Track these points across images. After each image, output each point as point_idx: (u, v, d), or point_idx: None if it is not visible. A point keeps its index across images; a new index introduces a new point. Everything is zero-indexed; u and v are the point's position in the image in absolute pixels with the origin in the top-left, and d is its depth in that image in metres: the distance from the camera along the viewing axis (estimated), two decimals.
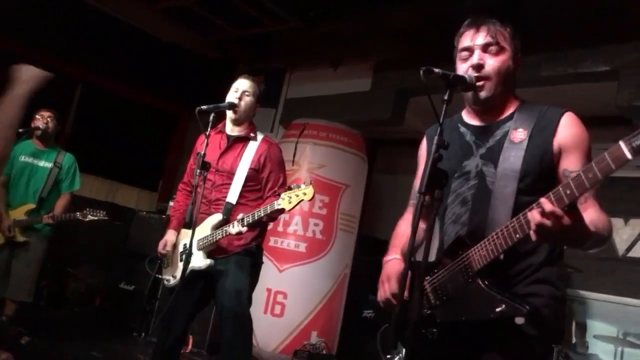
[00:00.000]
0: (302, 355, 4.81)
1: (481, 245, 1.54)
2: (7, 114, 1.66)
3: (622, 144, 1.16)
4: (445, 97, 1.49)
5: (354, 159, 5.46)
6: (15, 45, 5.64)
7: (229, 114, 3.07)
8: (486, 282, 1.53)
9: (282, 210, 2.79)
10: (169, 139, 7.42)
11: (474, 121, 1.78)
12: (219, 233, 2.88)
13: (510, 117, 1.70)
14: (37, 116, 4.22)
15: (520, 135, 1.63)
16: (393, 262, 1.83)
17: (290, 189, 2.78)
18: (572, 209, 1.29)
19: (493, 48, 1.68)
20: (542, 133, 1.62)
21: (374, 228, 5.92)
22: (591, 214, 1.48)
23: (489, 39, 1.68)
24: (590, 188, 1.25)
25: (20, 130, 4.21)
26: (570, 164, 1.57)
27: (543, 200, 1.32)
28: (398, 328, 1.60)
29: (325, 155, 5.34)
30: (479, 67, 1.66)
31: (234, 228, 2.82)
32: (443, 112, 1.48)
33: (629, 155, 1.15)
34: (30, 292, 4.17)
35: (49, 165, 4.21)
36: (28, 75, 1.75)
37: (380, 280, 1.80)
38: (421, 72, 1.44)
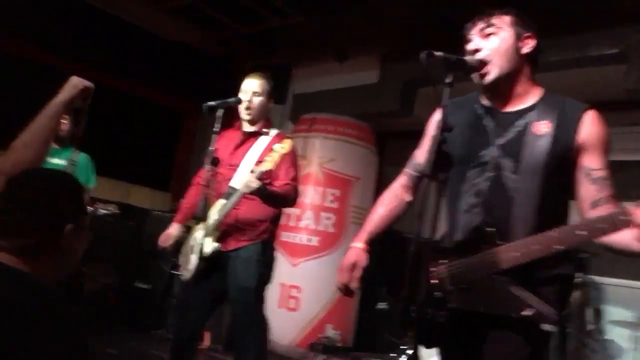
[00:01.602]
0: (317, 348, 4.84)
1: (513, 246, 1.54)
2: (40, 121, 1.64)
3: None
4: (447, 81, 1.49)
5: (363, 152, 5.47)
6: (24, 47, 5.72)
7: (243, 115, 3.07)
8: (513, 283, 1.53)
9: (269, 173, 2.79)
10: (178, 139, 7.46)
11: (490, 104, 1.75)
12: (222, 211, 2.88)
13: (532, 107, 1.67)
14: None
15: (543, 128, 1.61)
16: (353, 250, 1.85)
17: (271, 150, 2.78)
18: None
19: (488, 30, 1.67)
20: (565, 128, 1.60)
21: None
22: (608, 208, 1.52)
23: (482, 24, 1.68)
24: None
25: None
26: (591, 163, 1.58)
27: None
28: (406, 308, 1.61)
29: (335, 149, 5.35)
30: (475, 51, 1.66)
31: (251, 176, 2.71)
32: (447, 96, 1.49)
33: None
34: None
35: (63, 162, 4.25)
36: (69, 85, 1.74)
37: (339, 266, 1.83)
38: (422, 55, 1.44)
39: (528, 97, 1.69)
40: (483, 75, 1.66)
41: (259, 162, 2.96)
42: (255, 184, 2.69)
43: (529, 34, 1.70)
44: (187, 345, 2.98)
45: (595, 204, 1.56)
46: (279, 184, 2.95)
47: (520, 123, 1.66)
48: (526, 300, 1.50)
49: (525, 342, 1.55)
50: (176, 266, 3.22)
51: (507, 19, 1.69)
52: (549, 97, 1.69)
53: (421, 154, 1.89)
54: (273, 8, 5.24)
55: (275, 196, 2.89)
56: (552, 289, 1.60)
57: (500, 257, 1.55)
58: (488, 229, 1.62)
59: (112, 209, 4.26)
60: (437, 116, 1.89)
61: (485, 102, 1.76)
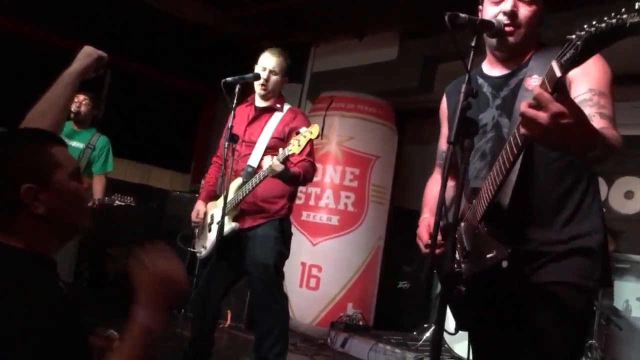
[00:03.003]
0: (339, 327, 4.84)
1: (481, 191, 1.51)
2: (55, 90, 1.64)
3: (553, 63, 1.15)
4: (473, 44, 1.43)
5: (383, 130, 5.41)
6: (42, 31, 5.75)
7: (257, 89, 3.05)
8: (485, 229, 1.48)
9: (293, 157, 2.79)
10: (197, 120, 7.49)
11: (493, 71, 1.72)
12: (240, 193, 2.88)
13: (526, 64, 1.63)
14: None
15: (534, 81, 1.55)
16: (423, 220, 1.81)
17: (297, 133, 2.76)
18: (562, 95, 1.18)
19: None
20: None
21: (406, 199, 5.87)
22: (597, 123, 1.38)
23: None
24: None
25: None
26: (575, 91, 1.48)
27: (540, 93, 1.19)
28: (429, 283, 1.57)
29: (354, 127, 5.30)
30: (512, 14, 1.57)
31: (273, 160, 2.73)
32: (471, 60, 1.43)
33: (558, 73, 1.13)
34: (70, 271, 4.28)
35: (81, 145, 4.28)
36: (82, 54, 1.73)
37: (418, 234, 1.79)
38: (446, 17, 1.38)
39: (524, 56, 1.65)
40: (510, 34, 1.58)
41: (274, 138, 2.95)
42: (280, 167, 2.70)
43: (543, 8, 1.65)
44: (207, 323, 3.00)
45: None
46: (296, 160, 2.93)
47: (513, 81, 1.64)
48: (488, 241, 1.45)
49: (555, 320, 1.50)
50: (192, 244, 3.22)
51: None
52: (545, 50, 1.63)
53: (445, 142, 1.87)
54: None
55: (297, 177, 2.88)
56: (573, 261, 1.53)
57: (475, 208, 1.53)
58: (475, 187, 1.59)
59: (129, 200, 4.28)
60: (444, 103, 1.88)
61: (488, 69, 1.74)
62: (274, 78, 3.03)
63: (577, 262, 1.53)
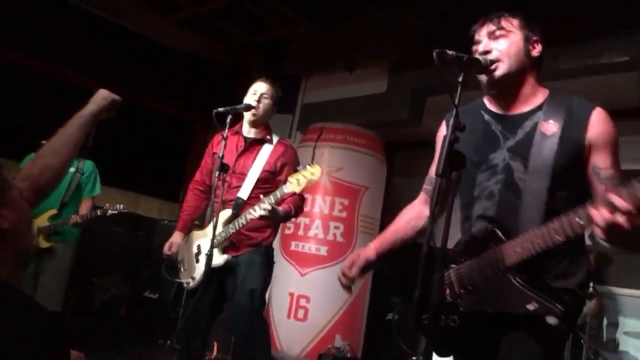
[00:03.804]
0: (326, 358, 4.78)
1: (517, 241, 1.53)
2: (69, 130, 1.66)
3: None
4: (460, 79, 1.48)
5: (371, 161, 5.45)
6: (32, 59, 5.77)
7: (247, 115, 3.09)
8: (518, 279, 1.52)
9: (293, 194, 2.83)
10: (187, 150, 7.50)
11: (497, 109, 1.74)
12: (231, 227, 2.88)
13: (539, 107, 1.66)
14: None
15: (551, 127, 1.60)
16: (364, 247, 1.90)
17: (296, 171, 2.77)
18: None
19: (497, 32, 1.67)
20: (574, 127, 1.59)
21: None
22: None
23: (491, 27, 1.68)
24: None
25: (44, 142, 4.28)
26: (600, 161, 1.56)
27: (613, 196, 1.29)
28: (418, 313, 1.59)
29: (343, 158, 5.34)
30: (485, 53, 1.65)
31: (256, 211, 2.78)
32: (458, 95, 1.47)
33: None
34: (58, 301, 4.22)
35: (72, 170, 4.27)
36: (97, 97, 1.77)
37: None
38: (434, 54, 1.43)
39: (534, 98, 1.69)
40: (492, 71, 1.64)
41: (266, 171, 2.98)
42: (269, 211, 2.75)
43: (536, 38, 1.71)
44: (195, 354, 2.96)
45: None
46: (286, 195, 2.95)
47: (528, 124, 1.66)
48: (529, 294, 1.49)
49: (537, 341, 1.53)
50: (177, 274, 3.19)
51: (515, 22, 1.70)
52: (556, 97, 1.68)
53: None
54: (283, 17, 5.28)
55: (288, 214, 2.90)
56: (566, 296, 1.57)
57: (503, 253, 1.55)
58: (492, 228, 1.62)
59: (120, 208, 4.25)
60: (443, 130, 1.92)
61: (491, 106, 1.76)
62: (265, 102, 3.07)
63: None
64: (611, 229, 1.28)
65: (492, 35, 1.68)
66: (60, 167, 1.61)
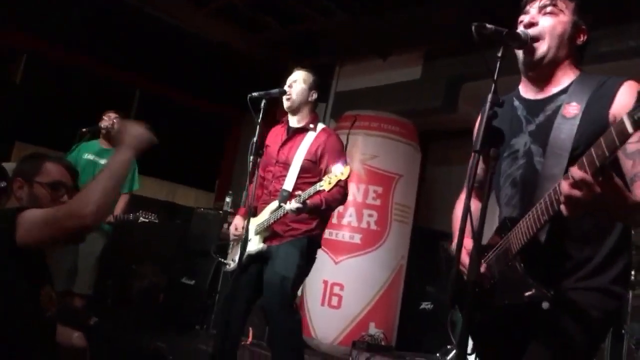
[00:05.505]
0: (360, 346, 4.79)
1: (518, 227, 1.49)
2: (111, 174, 1.77)
3: (625, 117, 1.10)
4: (499, 54, 1.45)
5: (406, 149, 5.40)
6: (72, 55, 5.93)
7: (284, 103, 3.12)
8: (521, 265, 1.48)
9: (322, 192, 2.84)
10: (223, 141, 7.61)
11: (529, 94, 1.70)
12: (273, 216, 2.92)
13: (565, 90, 1.60)
14: (104, 117, 4.45)
15: (573, 109, 1.53)
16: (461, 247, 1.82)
17: (330, 171, 2.84)
18: (605, 177, 1.21)
19: (549, 8, 1.62)
20: (598, 104, 1.51)
21: (429, 220, 5.84)
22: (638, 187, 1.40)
23: (545, 1, 1.63)
24: (600, 163, 1.17)
25: (85, 129, 4.41)
26: None
27: (572, 168, 1.24)
28: (455, 302, 1.60)
29: (378, 146, 5.31)
30: (530, 25, 1.60)
31: (290, 205, 2.82)
32: (497, 69, 1.44)
33: (630, 129, 1.08)
34: (91, 285, 4.34)
35: None
36: (132, 137, 1.85)
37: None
38: (473, 27, 1.40)
39: (563, 80, 1.64)
40: (532, 51, 1.60)
41: (307, 160, 2.99)
42: (296, 207, 2.80)
43: (584, 27, 1.65)
44: (230, 339, 2.99)
45: (632, 181, 1.43)
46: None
47: (551, 107, 1.61)
48: (528, 280, 1.45)
49: (563, 335, 1.49)
50: (225, 255, 3.27)
51: (571, 5, 1.64)
52: (585, 78, 1.61)
53: None
54: (317, 8, 5.26)
55: (318, 206, 2.91)
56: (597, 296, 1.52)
57: (511, 241, 1.51)
58: (508, 216, 1.59)
59: (152, 218, 4.37)
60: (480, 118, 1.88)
61: (524, 91, 1.72)
62: (296, 86, 3.09)
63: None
64: (569, 202, 1.24)
65: (542, 10, 1.62)
66: (111, 206, 1.88)
